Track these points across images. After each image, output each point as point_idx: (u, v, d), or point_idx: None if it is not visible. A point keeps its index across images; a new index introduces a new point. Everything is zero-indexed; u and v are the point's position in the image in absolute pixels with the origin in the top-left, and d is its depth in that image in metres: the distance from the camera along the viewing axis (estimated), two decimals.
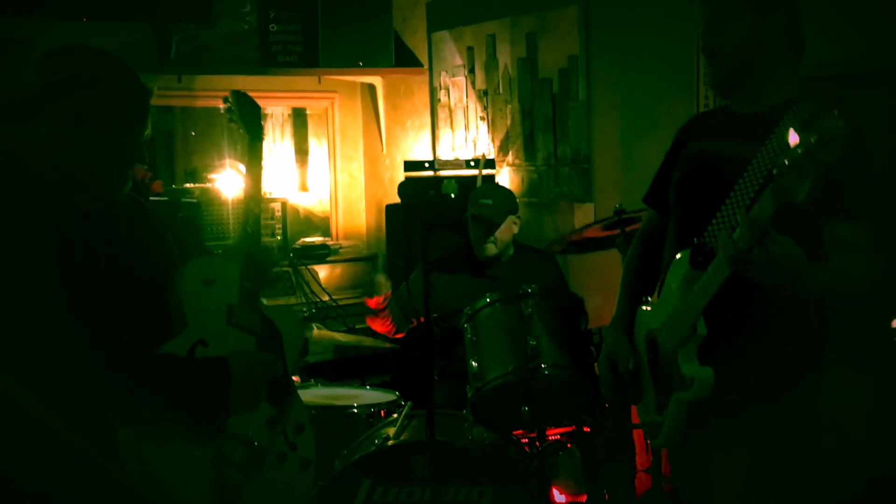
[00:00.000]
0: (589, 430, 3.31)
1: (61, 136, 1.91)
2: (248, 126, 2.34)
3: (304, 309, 4.46)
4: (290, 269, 4.89)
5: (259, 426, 2.15)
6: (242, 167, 2.35)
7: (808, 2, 3.53)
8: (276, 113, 5.85)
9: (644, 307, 2.41)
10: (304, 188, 6.01)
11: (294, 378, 3.46)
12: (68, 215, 1.90)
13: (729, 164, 2.24)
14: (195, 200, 5.03)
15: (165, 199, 4.77)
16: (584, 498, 3.38)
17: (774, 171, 1.85)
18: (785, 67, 2.28)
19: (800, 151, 1.80)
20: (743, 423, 2.21)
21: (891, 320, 2.99)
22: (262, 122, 2.38)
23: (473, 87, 5.52)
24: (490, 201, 3.86)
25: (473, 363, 3.15)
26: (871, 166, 2.15)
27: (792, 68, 2.30)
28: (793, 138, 1.82)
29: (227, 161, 5.45)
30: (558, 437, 3.40)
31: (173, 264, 2.18)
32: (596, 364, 3.13)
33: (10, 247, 1.80)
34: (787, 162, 1.82)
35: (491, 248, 3.82)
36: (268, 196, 5.56)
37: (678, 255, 2.23)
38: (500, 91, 5.34)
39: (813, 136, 1.78)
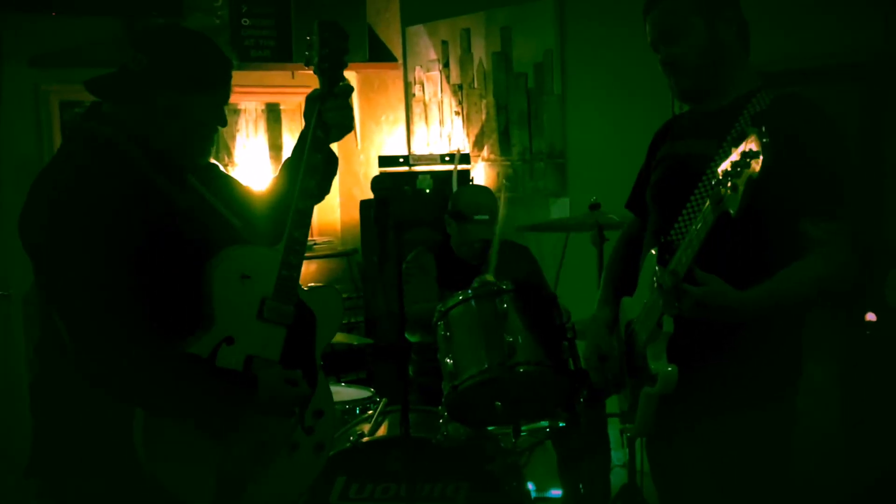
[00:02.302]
0: (565, 425, 3.30)
1: (176, 105, 2.07)
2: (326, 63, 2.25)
3: None
4: None
5: (275, 421, 2.14)
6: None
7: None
8: (249, 108, 5.80)
9: (626, 297, 2.44)
10: None
11: None
12: (150, 200, 2.03)
13: (695, 162, 2.27)
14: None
15: None
16: (559, 494, 3.38)
17: (713, 181, 1.93)
18: (742, 63, 2.30)
19: (729, 165, 1.88)
20: (722, 428, 2.22)
21: (865, 314, 3.01)
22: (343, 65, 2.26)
23: (448, 82, 5.51)
24: (486, 216, 3.76)
25: (448, 360, 3.12)
26: (841, 165, 2.16)
27: (746, 62, 2.32)
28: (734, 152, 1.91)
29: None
30: (534, 432, 3.39)
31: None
32: (571, 360, 3.13)
33: (90, 228, 1.93)
34: (720, 173, 1.91)
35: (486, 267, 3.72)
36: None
37: (651, 252, 2.25)
38: (475, 85, 5.33)
39: (740, 151, 1.86)
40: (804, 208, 2.10)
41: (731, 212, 1.87)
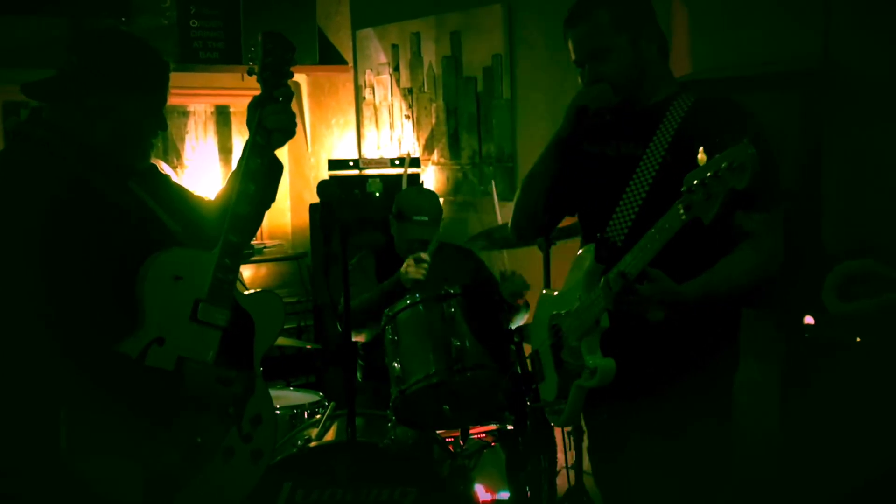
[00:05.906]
0: (512, 428, 3.32)
1: (106, 105, 2.10)
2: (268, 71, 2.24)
3: None
4: None
5: (209, 423, 2.13)
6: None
7: (723, 5, 3.64)
8: (198, 111, 5.75)
9: (547, 291, 2.50)
10: None
11: None
12: (83, 200, 2.05)
13: (621, 162, 2.35)
14: None
15: None
16: (507, 496, 3.39)
17: (683, 189, 1.96)
18: (662, 70, 2.38)
19: (708, 174, 1.89)
20: (667, 429, 2.27)
21: (803, 317, 3.06)
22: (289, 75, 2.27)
23: (398, 85, 5.51)
24: (426, 217, 3.76)
25: (396, 364, 3.14)
26: (770, 158, 2.21)
27: (666, 71, 2.40)
28: (702, 157, 1.93)
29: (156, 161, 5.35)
30: (482, 435, 3.40)
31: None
32: (518, 363, 3.15)
33: (20, 227, 1.95)
34: (695, 181, 1.93)
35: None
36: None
37: (582, 249, 2.32)
38: (425, 89, 5.34)
39: (724, 161, 1.87)
40: (739, 202, 2.15)
41: (705, 220, 1.92)
